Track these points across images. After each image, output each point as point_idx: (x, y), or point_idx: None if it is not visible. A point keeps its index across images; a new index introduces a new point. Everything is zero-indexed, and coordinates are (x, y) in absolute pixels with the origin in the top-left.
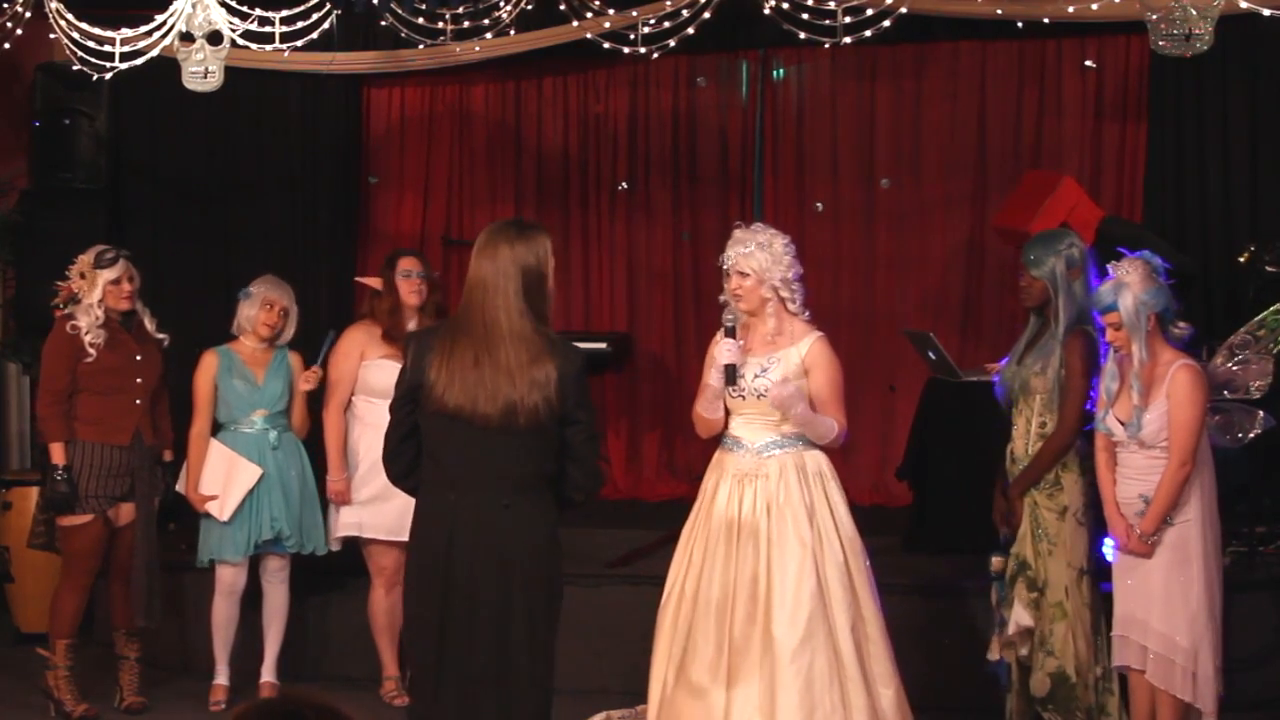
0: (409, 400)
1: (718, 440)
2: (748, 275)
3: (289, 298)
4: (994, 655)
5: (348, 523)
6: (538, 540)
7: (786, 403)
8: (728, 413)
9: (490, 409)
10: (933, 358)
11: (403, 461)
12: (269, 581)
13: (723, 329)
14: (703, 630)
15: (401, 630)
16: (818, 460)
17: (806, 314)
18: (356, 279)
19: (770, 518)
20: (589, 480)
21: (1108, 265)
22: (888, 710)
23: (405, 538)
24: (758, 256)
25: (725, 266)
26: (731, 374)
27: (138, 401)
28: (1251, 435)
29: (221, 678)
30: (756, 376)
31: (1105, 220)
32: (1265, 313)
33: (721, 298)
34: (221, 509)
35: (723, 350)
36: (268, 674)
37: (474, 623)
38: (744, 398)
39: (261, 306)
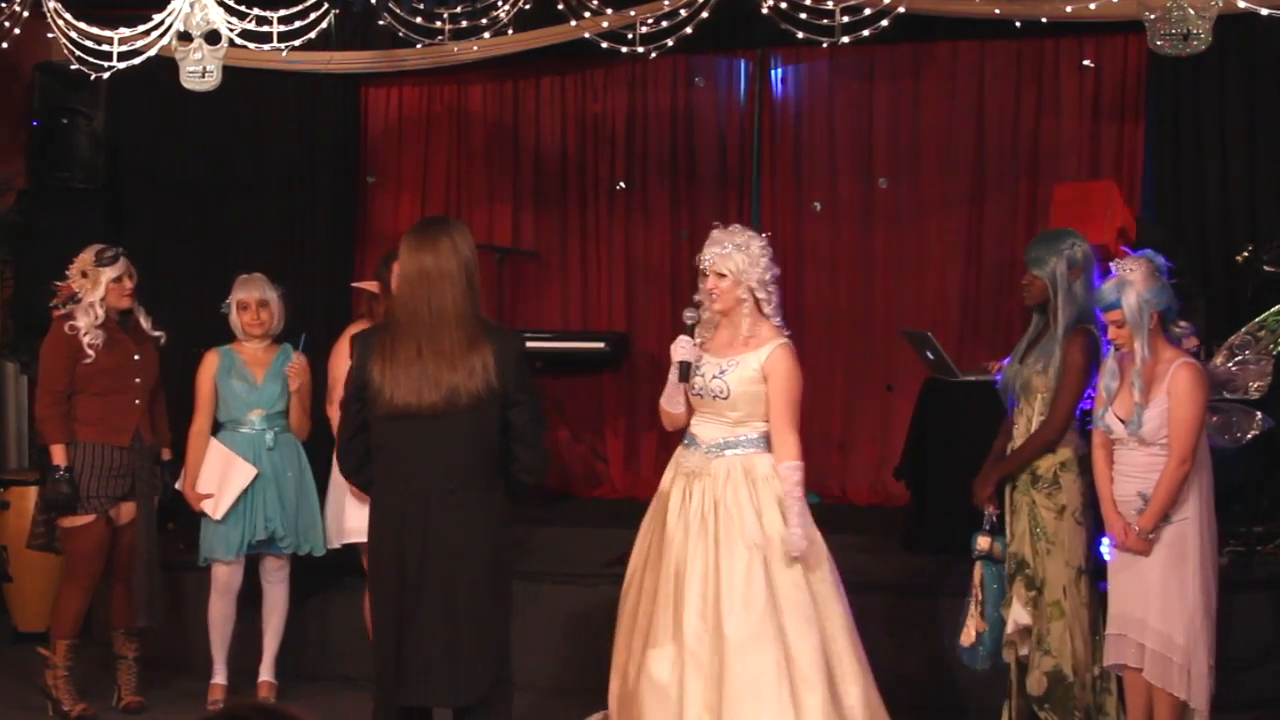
0: (356, 400)
1: (669, 443)
2: (725, 276)
3: (262, 288)
4: (968, 640)
5: (353, 528)
6: (485, 526)
7: (801, 546)
8: (693, 410)
9: (434, 397)
10: (931, 357)
11: (354, 458)
12: (268, 581)
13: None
14: (661, 625)
15: None
16: (766, 463)
17: (779, 318)
18: (354, 284)
19: (718, 517)
20: (536, 460)
21: (1110, 263)
22: (853, 709)
23: None
24: (735, 257)
25: (702, 266)
26: (685, 371)
27: (137, 401)
28: (1250, 436)
29: (219, 677)
30: (714, 377)
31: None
32: (1266, 314)
33: (696, 297)
34: (215, 508)
35: (677, 347)
36: (266, 674)
37: (426, 610)
38: (701, 396)
39: (239, 311)
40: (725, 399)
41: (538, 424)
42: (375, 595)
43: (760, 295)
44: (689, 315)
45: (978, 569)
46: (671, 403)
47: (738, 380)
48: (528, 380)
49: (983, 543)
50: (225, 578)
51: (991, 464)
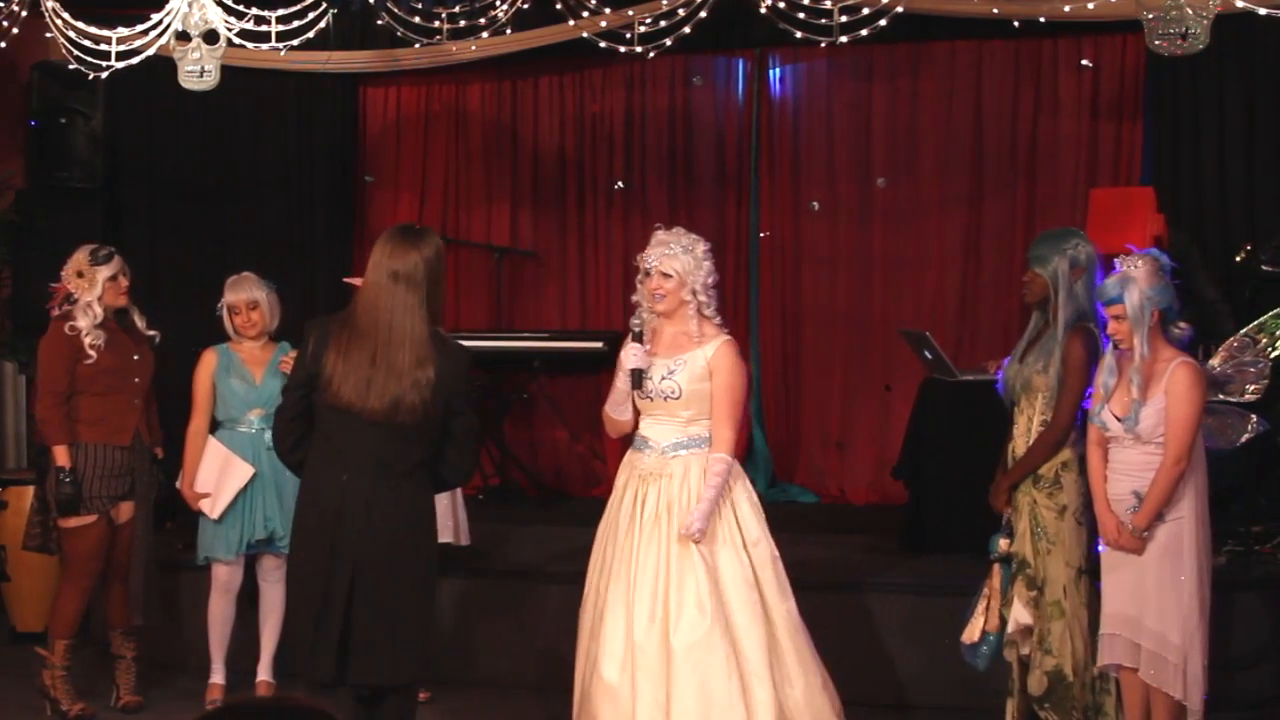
0: (304, 386)
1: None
2: (670, 277)
3: (250, 289)
4: (972, 638)
5: None
6: (417, 518)
7: (699, 527)
8: (639, 414)
9: (378, 404)
10: (929, 357)
11: (289, 439)
12: (265, 581)
13: (630, 333)
14: (611, 627)
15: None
16: None
17: (719, 319)
18: (345, 279)
19: (672, 517)
20: (466, 464)
21: (1115, 260)
22: (796, 708)
23: None
24: (682, 259)
25: (646, 266)
26: (638, 378)
27: (136, 401)
28: (1243, 439)
29: (217, 676)
30: (664, 378)
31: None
32: (1265, 316)
33: (634, 298)
34: (213, 507)
35: (629, 354)
36: (264, 673)
37: (365, 595)
38: (651, 399)
39: (231, 314)
40: (678, 399)
41: (473, 433)
42: (301, 577)
43: (702, 299)
44: (635, 322)
45: (995, 571)
46: (618, 410)
47: (688, 379)
48: (469, 393)
49: (1003, 545)
50: (225, 577)
51: (1000, 471)
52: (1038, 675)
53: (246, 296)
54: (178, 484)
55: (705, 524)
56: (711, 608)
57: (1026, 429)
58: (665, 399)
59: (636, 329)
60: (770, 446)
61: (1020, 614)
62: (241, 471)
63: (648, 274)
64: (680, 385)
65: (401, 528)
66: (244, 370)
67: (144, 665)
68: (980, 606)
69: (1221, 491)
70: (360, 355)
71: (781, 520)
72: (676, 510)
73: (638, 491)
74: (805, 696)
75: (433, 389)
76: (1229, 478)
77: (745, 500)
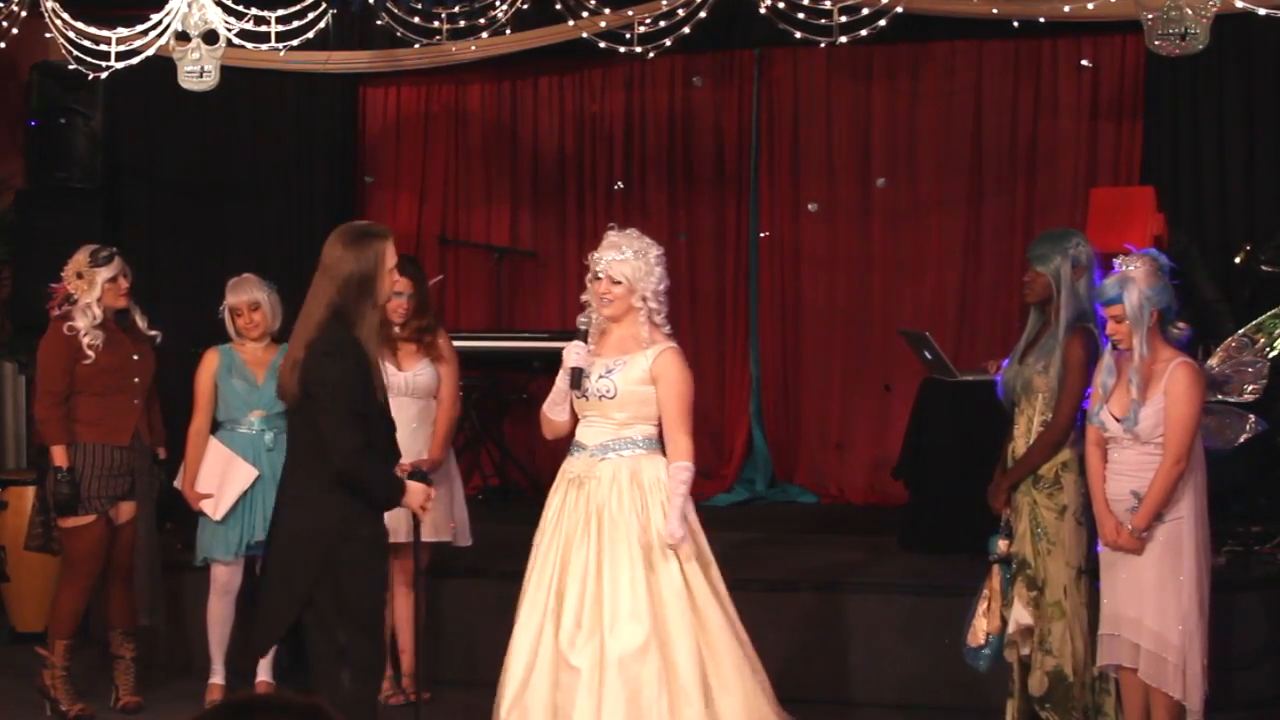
0: None
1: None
2: (620, 282)
3: (251, 291)
4: (976, 641)
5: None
6: (305, 506)
7: (680, 534)
8: (577, 419)
9: (284, 395)
10: (929, 357)
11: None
12: None
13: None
14: (546, 636)
15: (390, 628)
16: (656, 467)
17: (668, 328)
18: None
19: (603, 524)
20: (334, 454)
21: (1114, 260)
22: (733, 716)
23: (401, 538)
24: (633, 264)
25: (596, 269)
26: (577, 378)
27: (136, 401)
28: (1242, 439)
29: (217, 677)
30: (600, 377)
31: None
32: (1264, 316)
33: (584, 297)
34: (215, 508)
35: (570, 353)
36: (263, 674)
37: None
38: (587, 398)
39: (234, 316)
40: (612, 398)
41: (330, 419)
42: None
43: (653, 305)
44: (582, 321)
45: (995, 572)
46: (555, 410)
47: (625, 380)
48: (330, 382)
49: (1002, 546)
50: (225, 578)
51: (1000, 471)
52: (1038, 675)
53: (248, 298)
54: (176, 483)
55: (682, 528)
56: (646, 618)
57: (1026, 429)
58: (600, 398)
59: (584, 326)
60: (770, 446)
61: (1020, 614)
62: (245, 474)
63: (597, 276)
64: (616, 385)
65: (289, 516)
66: (246, 371)
67: (143, 665)
68: (981, 608)
69: (1221, 491)
70: (294, 345)
71: (781, 520)
72: (608, 518)
73: (566, 494)
74: (743, 703)
75: (303, 374)
76: (1229, 478)
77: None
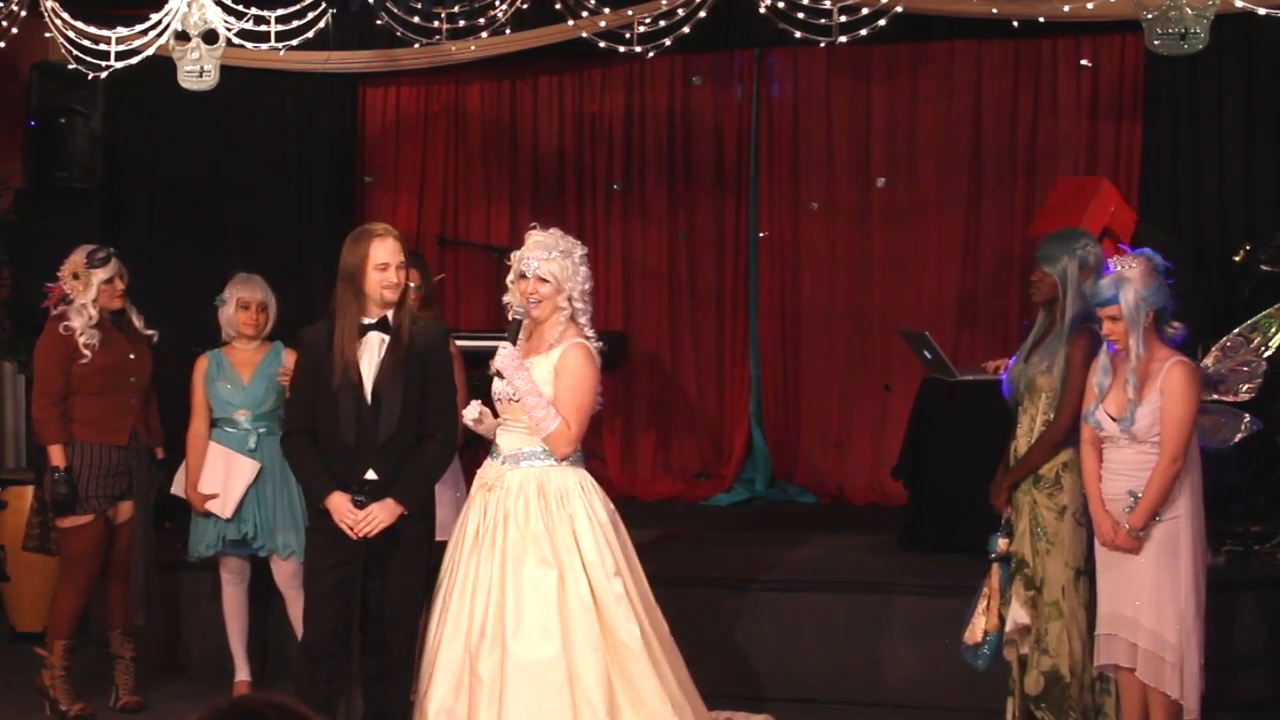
0: None
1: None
2: (547, 281)
3: (263, 291)
4: (974, 639)
5: None
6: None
7: (509, 369)
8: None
9: None
10: (928, 357)
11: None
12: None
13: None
14: (447, 645)
15: None
16: (564, 478)
17: (591, 330)
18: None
19: (508, 534)
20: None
21: (1109, 260)
22: None
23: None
24: (560, 264)
25: (523, 269)
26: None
27: (133, 401)
28: (1237, 438)
29: (242, 673)
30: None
31: (1139, 224)
32: (1259, 315)
33: (506, 298)
34: (224, 507)
35: (497, 356)
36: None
37: None
38: (500, 401)
39: (239, 308)
40: (517, 401)
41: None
42: None
43: (578, 305)
44: (518, 311)
45: (994, 570)
46: (482, 428)
47: (527, 383)
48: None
49: (1002, 544)
50: (236, 567)
51: (1003, 470)
52: (1035, 675)
53: (260, 297)
54: (174, 488)
55: (511, 368)
56: (554, 629)
57: (1030, 429)
58: (509, 401)
59: (518, 316)
60: (770, 446)
61: (1018, 613)
62: (247, 468)
63: (523, 275)
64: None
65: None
66: (232, 372)
67: (143, 665)
68: (980, 606)
69: (1221, 491)
70: None
71: (781, 520)
72: (515, 528)
73: (478, 501)
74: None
75: None
76: (1228, 478)
77: (585, 518)
